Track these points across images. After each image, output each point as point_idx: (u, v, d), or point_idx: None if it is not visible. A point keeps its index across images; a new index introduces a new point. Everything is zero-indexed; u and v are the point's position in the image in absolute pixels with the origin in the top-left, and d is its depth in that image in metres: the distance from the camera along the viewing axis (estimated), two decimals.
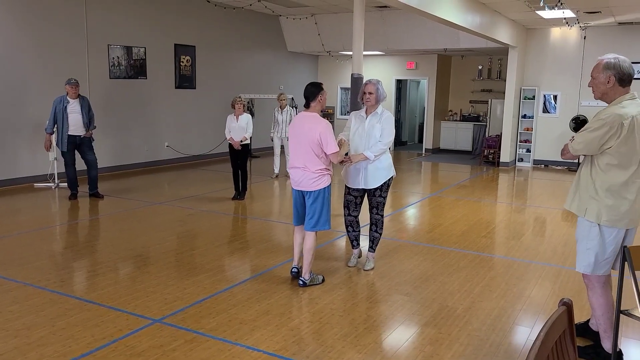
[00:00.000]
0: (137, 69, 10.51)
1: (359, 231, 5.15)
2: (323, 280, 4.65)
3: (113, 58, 10.03)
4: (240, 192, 8.19)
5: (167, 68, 11.14)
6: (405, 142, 17.33)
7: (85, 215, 7.15)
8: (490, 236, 6.46)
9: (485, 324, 3.88)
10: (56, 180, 8.61)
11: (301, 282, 4.51)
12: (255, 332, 3.66)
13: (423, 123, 15.95)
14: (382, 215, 4.98)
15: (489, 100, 14.62)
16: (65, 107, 7.60)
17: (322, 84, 4.53)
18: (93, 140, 8.00)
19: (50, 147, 7.89)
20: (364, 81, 4.87)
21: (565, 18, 10.87)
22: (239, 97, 8.26)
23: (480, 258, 5.49)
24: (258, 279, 4.76)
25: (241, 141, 8.03)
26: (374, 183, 4.78)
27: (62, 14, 9.10)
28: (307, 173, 4.38)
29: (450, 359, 3.35)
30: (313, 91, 4.42)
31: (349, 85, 7.56)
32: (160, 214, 7.19)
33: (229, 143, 8.04)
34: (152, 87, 10.88)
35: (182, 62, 11.40)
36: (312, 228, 4.45)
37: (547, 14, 10.33)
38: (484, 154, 13.48)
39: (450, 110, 16.06)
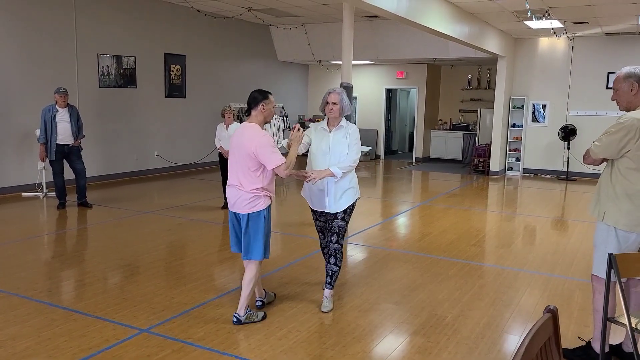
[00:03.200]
0: (127, 78, 10.48)
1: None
2: (264, 317, 4.00)
3: (103, 67, 10.00)
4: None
5: (157, 77, 11.13)
6: (396, 151, 17.40)
7: (74, 225, 7.09)
8: (480, 244, 6.48)
9: (474, 332, 3.88)
10: (44, 190, 8.54)
11: (235, 320, 3.87)
12: (243, 342, 3.63)
13: (413, 132, 16.03)
14: (341, 245, 4.20)
15: (479, 110, 14.73)
16: (54, 115, 7.56)
17: (269, 92, 3.92)
18: (82, 149, 7.95)
19: (45, 158, 7.79)
20: (334, 92, 4.14)
21: (553, 28, 11.01)
22: (229, 106, 8.26)
23: (469, 266, 5.50)
24: None
25: None
26: (340, 206, 4.10)
27: (51, 23, 9.08)
28: (241, 192, 3.77)
29: None
30: (255, 97, 3.85)
31: None
32: (149, 223, 7.14)
33: (219, 152, 8.03)
34: (142, 96, 10.86)
35: (172, 71, 11.39)
36: (245, 257, 3.89)
37: (535, 24, 10.45)
38: (474, 162, 13.56)
39: (440, 120, 16.15)
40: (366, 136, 15.82)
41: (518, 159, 13.37)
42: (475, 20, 10.05)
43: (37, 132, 7.82)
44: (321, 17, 12.39)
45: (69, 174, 7.90)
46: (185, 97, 11.84)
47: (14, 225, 6.85)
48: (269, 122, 4.07)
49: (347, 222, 4.19)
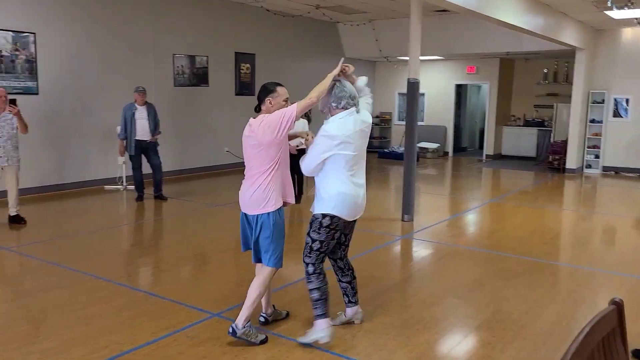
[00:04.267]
0: (199, 77, 10.92)
1: (347, 282, 3.81)
2: (264, 342, 3.47)
3: (177, 67, 10.48)
4: (296, 196, 8.33)
5: (227, 75, 11.52)
6: (465, 148, 17.01)
7: (150, 216, 7.50)
8: (553, 243, 6.25)
9: (543, 329, 3.78)
10: (124, 183, 9.08)
11: (230, 330, 3.41)
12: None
13: (484, 128, 15.60)
14: (306, 263, 3.52)
15: (555, 105, 14.10)
16: (134, 113, 8.02)
17: (278, 83, 3.48)
18: (158, 145, 8.38)
19: (124, 152, 8.32)
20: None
21: (636, 18, 10.37)
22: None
23: (540, 265, 5.33)
24: None
25: (297, 146, 8.18)
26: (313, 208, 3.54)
27: (131, 27, 9.62)
28: (250, 190, 3.41)
29: None
30: (260, 93, 3.46)
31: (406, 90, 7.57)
32: (220, 215, 7.44)
33: None
34: (213, 94, 11.28)
35: (242, 69, 11.74)
36: (255, 259, 3.57)
37: (616, 14, 9.89)
38: (549, 160, 13.02)
39: (513, 115, 15.62)
40: (434, 133, 15.58)
41: (597, 156, 12.70)
42: (551, 11, 9.65)
43: (118, 128, 8.33)
44: (389, 13, 12.33)
45: (147, 168, 8.36)
46: (254, 95, 12.09)
47: (97, 216, 7.34)
48: None
49: (311, 238, 3.51)
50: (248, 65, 11.86)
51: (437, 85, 15.63)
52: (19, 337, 3.56)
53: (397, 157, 13.74)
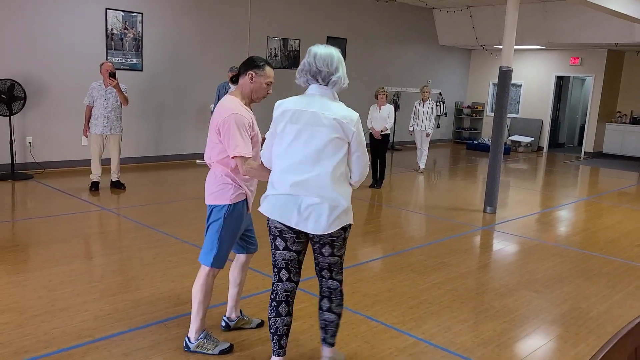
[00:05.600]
0: (291, 60, 11.20)
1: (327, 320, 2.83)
2: (224, 352, 3.02)
3: (270, 49, 10.81)
4: (377, 180, 8.37)
5: None
6: (563, 144, 16.12)
7: None
8: None
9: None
10: None
11: (184, 345, 3.04)
12: (375, 305, 3.81)
13: (584, 124, 14.69)
14: (339, 281, 2.84)
15: None
16: (227, 91, 8.41)
17: (269, 63, 3.03)
18: None
19: None
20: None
21: None
22: (382, 88, 8.44)
23: (628, 266, 5.02)
24: (385, 260, 4.90)
25: (381, 131, 8.20)
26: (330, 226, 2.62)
27: (229, 10, 10.04)
28: (209, 177, 3.01)
29: (573, 357, 3.18)
30: (245, 63, 3.00)
31: None
32: None
33: (370, 132, 8.26)
34: None
35: None
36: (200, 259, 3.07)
37: None
38: None
39: (619, 112, 14.56)
40: (529, 126, 14.90)
41: None
42: None
43: (212, 106, 8.78)
44: None
45: None
46: None
47: (189, 187, 7.82)
48: (256, 101, 3.08)
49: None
50: (339, 50, 11.96)
51: (536, 76, 14.90)
52: (114, 286, 3.95)
53: (486, 149, 13.31)
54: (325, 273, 2.78)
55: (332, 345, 2.86)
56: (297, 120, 2.65)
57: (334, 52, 2.72)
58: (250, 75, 2.94)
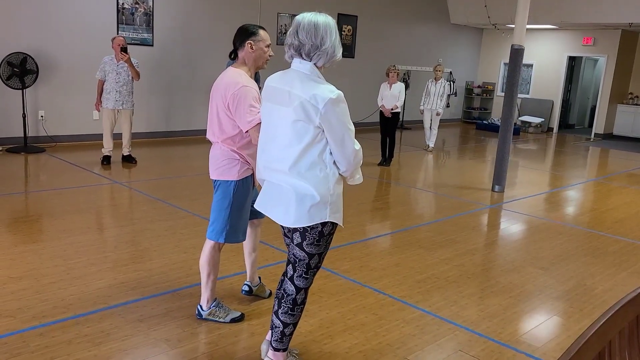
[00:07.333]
0: None
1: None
2: (235, 320, 3.12)
3: (281, 25, 10.76)
4: (386, 158, 8.40)
5: None
6: (573, 125, 16.01)
7: None
8: None
9: None
10: None
11: (196, 312, 3.16)
12: (383, 279, 3.88)
13: (595, 105, 14.57)
14: (302, 288, 2.50)
15: None
16: None
17: (260, 26, 2.98)
18: None
19: None
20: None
21: None
22: (394, 65, 8.41)
23: (634, 246, 5.05)
24: (393, 236, 4.96)
25: (392, 109, 8.20)
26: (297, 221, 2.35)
27: None
28: (215, 152, 3.00)
29: (577, 331, 3.24)
30: (239, 34, 2.94)
31: None
32: None
33: (380, 110, 8.25)
34: None
35: (344, 31, 11.79)
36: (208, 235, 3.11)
37: None
38: None
39: (631, 93, 14.42)
40: (539, 107, 14.79)
41: None
42: None
43: None
44: None
45: None
46: (354, 58, 12.21)
47: (199, 161, 7.88)
48: (262, 68, 3.05)
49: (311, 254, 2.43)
50: (350, 27, 11.89)
51: (547, 56, 14.74)
52: (127, 256, 4.04)
53: (495, 129, 13.25)
54: (289, 270, 2.47)
55: (276, 350, 2.54)
56: (271, 98, 2.43)
57: (320, 20, 2.29)
58: (249, 45, 2.90)
